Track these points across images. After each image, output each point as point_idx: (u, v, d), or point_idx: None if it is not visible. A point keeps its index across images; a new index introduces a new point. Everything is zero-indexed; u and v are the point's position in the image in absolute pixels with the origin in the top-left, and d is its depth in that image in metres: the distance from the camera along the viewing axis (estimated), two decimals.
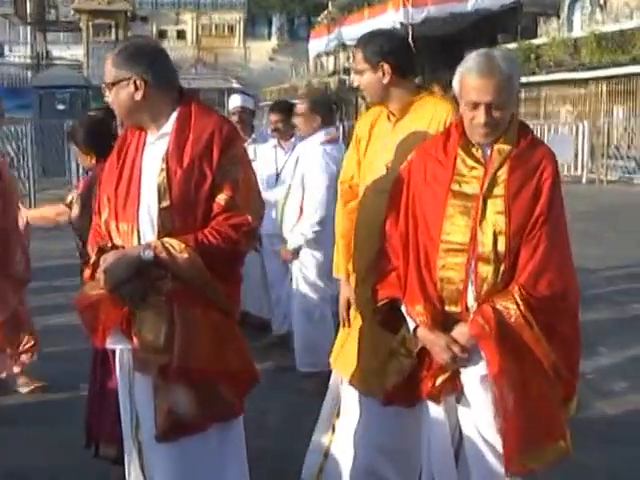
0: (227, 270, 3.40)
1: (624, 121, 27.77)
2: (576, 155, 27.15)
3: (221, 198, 3.29)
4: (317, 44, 49.72)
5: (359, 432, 4.09)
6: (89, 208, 4.20)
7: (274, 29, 70.31)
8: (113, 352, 3.75)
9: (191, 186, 3.28)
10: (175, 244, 3.24)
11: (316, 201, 6.33)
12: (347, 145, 4.51)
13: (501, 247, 3.26)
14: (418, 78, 4.15)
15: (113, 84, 3.37)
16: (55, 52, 52.33)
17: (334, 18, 47.38)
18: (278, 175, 7.38)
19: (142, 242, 3.33)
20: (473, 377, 3.37)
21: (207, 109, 3.50)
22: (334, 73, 47.69)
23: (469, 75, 3.28)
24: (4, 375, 6.23)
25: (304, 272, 6.53)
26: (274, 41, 69.10)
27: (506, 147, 3.33)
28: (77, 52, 49.72)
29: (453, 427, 3.53)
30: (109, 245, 3.45)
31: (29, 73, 48.68)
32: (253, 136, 7.72)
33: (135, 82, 3.32)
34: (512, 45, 31.18)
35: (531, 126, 3.59)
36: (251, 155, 5.79)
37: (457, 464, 3.57)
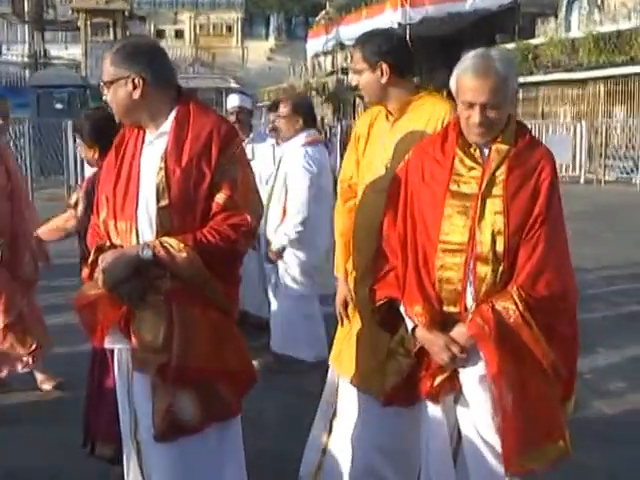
0: (226, 269, 3.40)
1: (622, 121, 27.79)
2: (574, 155, 27.17)
3: (220, 197, 3.29)
4: (315, 44, 49.72)
5: (358, 432, 4.09)
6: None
7: (272, 29, 70.31)
8: (112, 352, 3.75)
9: (190, 185, 3.28)
10: (174, 243, 3.23)
11: (299, 202, 6.45)
12: (345, 145, 4.52)
13: (500, 247, 3.26)
14: (416, 78, 4.15)
15: (111, 83, 3.36)
16: (53, 51, 52.23)
17: (332, 18, 47.38)
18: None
19: (141, 241, 3.33)
20: (472, 377, 3.37)
21: (205, 108, 3.50)
22: (332, 73, 47.65)
23: (465, 75, 3.28)
24: (4, 374, 6.22)
25: (288, 272, 6.64)
26: (272, 41, 69.09)
27: (504, 147, 3.33)
28: (75, 51, 49.68)
29: (452, 427, 3.53)
30: (107, 244, 3.45)
31: (27, 72, 48.59)
32: (251, 135, 7.72)
33: (133, 81, 3.32)
34: (510, 45, 31.16)
35: (529, 126, 3.59)
36: (249, 154, 5.82)
37: (455, 464, 3.57)
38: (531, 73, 30.19)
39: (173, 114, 3.37)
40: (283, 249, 6.54)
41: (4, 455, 5.17)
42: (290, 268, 6.65)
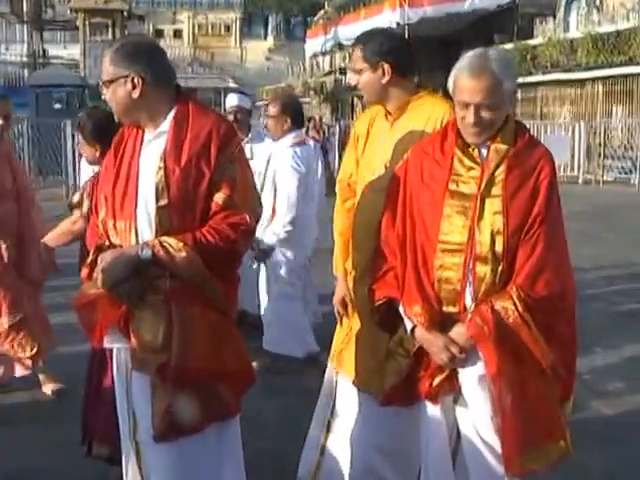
0: (225, 269, 3.39)
1: (620, 122, 27.80)
2: (572, 155, 27.18)
3: (219, 197, 3.28)
4: (313, 44, 49.77)
5: (357, 431, 4.08)
6: None
7: (270, 29, 70.36)
8: (111, 351, 3.74)
9: (189, 184, 3.27)
10: (173, 243, 3.23)
11: (288, 202, 6.53)
12: (343, 144, 4.52)
13: (499, 247, 3.25)
14: (415, 78, 4.14)
15: (110, 82, 3.35)
16: (52, 51, 52.18)
17: (330, 18, 47.41)
18: None
19: (140, 241, 3.32)
20: (471, 377, 3.37)
21: (204, 108, 3.49)
22: (330, 73, 47.66)
23: (461, 75, 3.28)
24: (0, 374, 6.22)
25: (276, 271, 6.72)
26: (270, 41, 69.15)
27: (503, 147, 3.32)
28: (74, 51, 49.65)
29: (451, 427, 3.53)
30: (106, 244, 3.44)
31: (26, 72, 48.56)
32: (250, 135, 7.72)
33: (133, 80, 3.31)
34: (508, 45, 31.20)
35: (527, 126, 3.59)
36: (248, 154, 5.83)
37: (454, 464, 3.57)
38: (530, 73, 30.23)
39: (172, 113, 3.37)
40: (272, 249, 6.59)
41: (4, 455, 5.16)
42: (278, 267, 6.72)
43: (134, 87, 3.32)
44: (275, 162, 6.72)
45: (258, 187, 6.64)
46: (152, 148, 3.37)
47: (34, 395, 6.27)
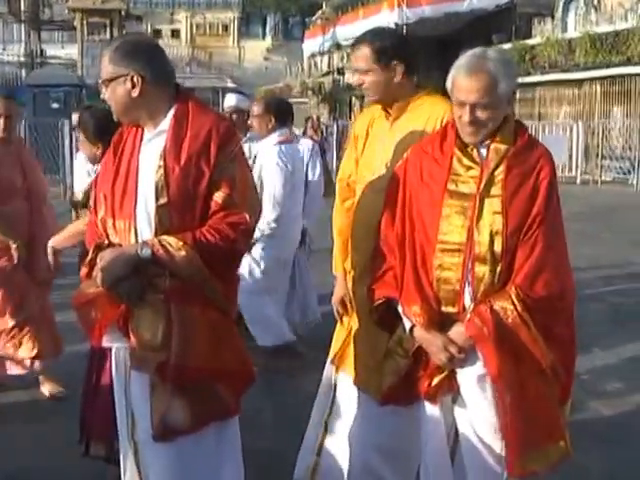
0: (224, 269, 3.38)
1: (618, 122, 27.83)
2: (570, 156, 27.21)
3: (218, 196, 3.27)
4: (312, 44, 49.81)
5: (356, 430, 4.08)
6: None
7: (268, 28, 70.32)
8: (110, 350, 3.73)
9: (189, 183, 3.26)
10: (173, 242, 3.22)
11: (274, 199, 6.59)
12: (341, 144, 4.52)
13: (498, 247, 3.25)
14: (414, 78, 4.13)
15: (110, 81, 3.34)
16: (49, 51, 52.20)
17: (328, 18, 47.42)
18: None
19: (139, 240, 3.31)
20: (469, 377, 3.37)
21: (204, 107, 3.49)
22: (328, 73, 47.70)
23: (458, 74, 3.28)
24: None
25: (251, 266, 6.73)
26: (268, 41, 69.09)
27: (502, 147, 3.32)
28: (71, 51, 49.63)
29: (449, 426, 3.53)
30: (106, 243, 3.44)
31: (23, 71, 48.60)
32: (248, 135, 7.72)
33: (132, 78, 3.30)
34: (507, 45, 31.23)
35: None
36: (246, 153, 5.86)
37: (453, 463, 3.58)
38: (528, 74, 30.23)
39: (172, 112, 3.36)
40: (253, 244, 6.61)
41: (3, 455, 5.16)
42: (254, 262, 6.75)
43: (133, 86, 3.31)
44: (261, 160, 6.78)
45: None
46: (152, 147, 3.36)
47: (33, 394, 6.26)
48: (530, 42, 32.40)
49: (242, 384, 3.55)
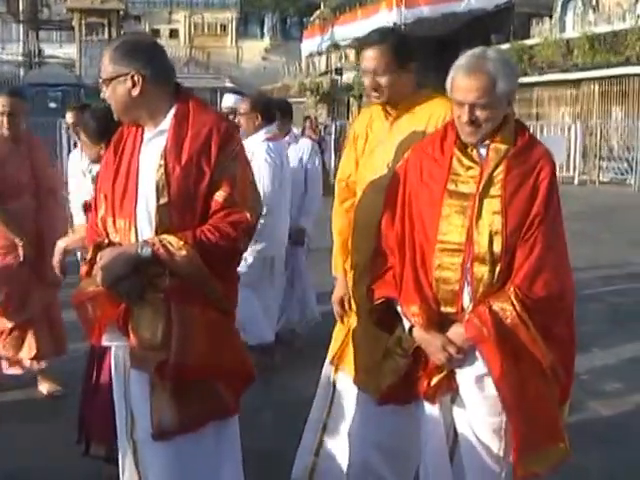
0: (225, 268, 3.38)
1: (617, 122, 27.83)
2: (569, 156, 27.22)
3: (219, 195, 3.27)
4: (310, 44, 49.84)
5: (355, 429, 4.08)
6: None
7: (267, 29, 70.35)
8: (110, 350, 3.73)
9: (189, 183, 3.26)
10: (173, 241, 3.21)
11: (262, 194, 6.48)
12: (339, 144, 4.50)
13: (497, 247, 3.24)
14: None
15: (110, 80, 3.34)
16: (48, 50, 52.28)
17: (326, 18, 47.44)
18: None
19: (140, 239, 3.31)
20: (468, 377, 3.37)
21: (205, 106, 3.49)
22: (326, 73, 47.71)
23: (457, 74, 3.28)
24: None
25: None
26: (266, 41, 69.12)
27: (502, 147, 3.31)
28: (69, 50, 49.71)
29: (448, 426, 3.53)
30: (106, 242, 3.43)
31: (21, 71, 48.67)
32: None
33: (132, 78, 3.29)
34: (505, 46, 31.21)
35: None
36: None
37: (452, 463, 3.57)
38: (526, 74, 30.21)
39: (172, 112, 3.36)
40: None
41: (3, 455, 5.15)
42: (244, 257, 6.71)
43: (134, 85, 3.30)
44: (249, 157, 6.74)
45: None
46: (152, 146, 3.35)
47: (31, 394, 6.26)
48: (528, 42, 32.41)
49: (241, 383, 3.55)
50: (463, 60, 3.29)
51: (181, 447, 3.37)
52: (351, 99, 41.62)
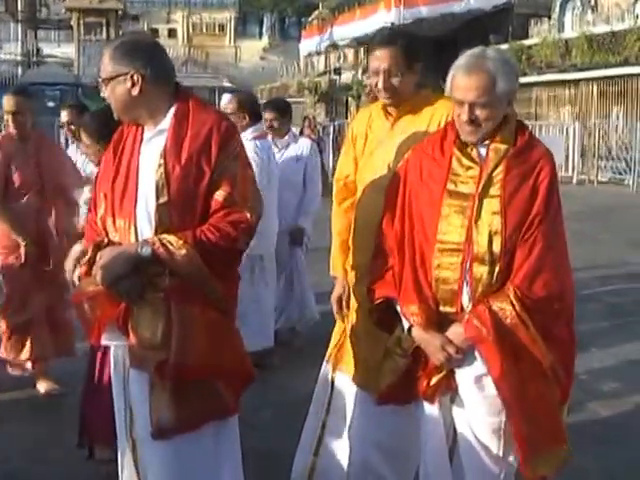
0: (225, 268, 3.38)
1: (615, 122, 27.83)
2: (567, 156, 27.22)
3: (219, 194, 3.27)
4: (309, 44, 49.82)
5: (355, 428, 4.09)
6: None
7: (265, 28, 70.41)
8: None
9: (189, 182, 3.26)
10: (173, 240, 3.21)
11: None
12: (337, 144, 4.49)
13: (496, 247, 3.24)
14: None
15: (110, 79, 3.34)
16: (46, 50, 52.28)
17: (325, 18, 47.43)
18: None
19: (140, 238, 3.30)
20: (467, 377, 3.37)
21: (205, 105, 3.49)
22: (325, 73, 47.72)
23: (457, 73, 3.28)
24: None
25: None
26: (265, 40, 69.18)
27: (502, 147, 3.31)
28: (68, 50, 49.72)
29: (448, 426, 3.53)
30: (105, 241, 3.43)
31: (20, 70, 48.66)
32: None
33: (132, 77, 3.29)
34: (503, 46, 31.17)
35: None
36: None
37: (452, 463, 3.56)
38: (524, 74, 30.20)
39: (172, 111, 3.35)
40: None
41: (3, 455, 5.16)
42: None
43: (133, 84, 3.30)
44: None
45: None
46: (152, 146, 3.35)
47: (31, 394, 6.26)
48: (527, 42, 32.39)
49: (241, 383, 3.54)
50: (463, 59, 3.30)
51: (180, 446, 3.36)
52: (349, 99, 41.64)
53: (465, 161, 3.34)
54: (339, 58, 46.39)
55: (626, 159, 25.83)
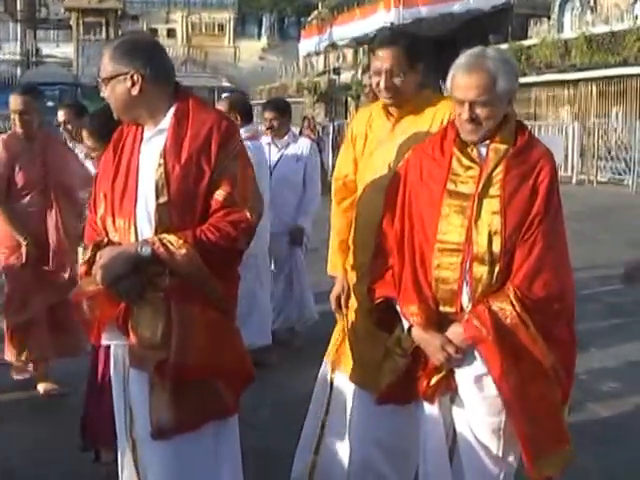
0: (225, 267, 3.38)
1: (614, 122, 27.83)
2: (566, 156, 27.20)
3: (219, 194, 3.26)
4: (308, 44, 49.84)
5: (355, 427, 4.09)
6: None
7: (264, 28, 70.45)
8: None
9: (189, 182, 3.25)
10: (173, 240, 3.21)
11: None
12: (337, 144, 4.49)
13: (496, 247, 3.24)
14: None
15: (109, 79, 3.34)
16: (45, 50, 52.30)
17: (324, 18, 47.44)
18: (271, 172, 7.40)
19: (139, 238, 3.30)
20: (467, 377, 3.37)
21: (205, 105, 3.49)
22: (324, 72, 47.71)
23: (457, 72, 3.28)
24: None
25: None
26: (264, 40, 69.22)
27: (502, 146, 3.31)
28: (67, 50, 49.73)
29: (448, 426, 3.52)
30: (105, 241, 3.43)
31: (19, 70, 48.67)
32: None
33: (132, 77, 3.29)
34: (503, 46, 31.16)
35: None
36: None
37: (452, 462, 3.56)
38: (524, 74, 30.20)
39: (172, 111, 3.35)
40: None
41: (3, 455, 5.15)
42: None
43: (133, 84, 3.30)
44: None
45: None
46: (152, 145, 3.35)
47: (31, 394, 6.26)
48: (526, 43, 32.39)
49: (241, 383, 3.54)
50: (463, 59, 3.30)
51: (180, 446, 3.36)
52: (349, 99, 41.61)
53: (465, 161, 3.34)
54: (338, 58, 46.38)
55: (625, 159, 25.81)
